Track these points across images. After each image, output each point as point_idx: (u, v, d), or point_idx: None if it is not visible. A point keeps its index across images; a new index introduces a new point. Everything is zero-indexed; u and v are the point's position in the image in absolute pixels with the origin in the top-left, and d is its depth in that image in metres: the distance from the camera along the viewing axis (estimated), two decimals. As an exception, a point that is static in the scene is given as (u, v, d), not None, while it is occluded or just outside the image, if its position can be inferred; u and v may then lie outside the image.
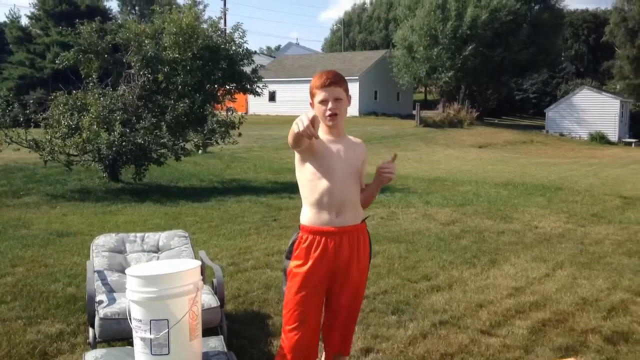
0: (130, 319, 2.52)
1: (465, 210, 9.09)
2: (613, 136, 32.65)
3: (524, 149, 26.78)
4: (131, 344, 3.16)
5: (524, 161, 20.14)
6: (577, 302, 4.73)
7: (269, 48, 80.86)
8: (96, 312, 3.33)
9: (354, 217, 2.69)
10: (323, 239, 2.61)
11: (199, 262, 2.71)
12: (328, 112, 2.61)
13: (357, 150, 2.76)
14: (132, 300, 2.50)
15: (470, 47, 33.92)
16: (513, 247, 6.71)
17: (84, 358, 2.63)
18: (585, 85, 38.85)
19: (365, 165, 2.79)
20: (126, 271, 2.61)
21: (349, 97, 2.70)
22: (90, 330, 3.41)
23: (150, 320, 2.43)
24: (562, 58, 48.43)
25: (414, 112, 33.20)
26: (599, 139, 32.32)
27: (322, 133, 2.69)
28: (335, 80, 2.62)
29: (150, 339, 2.43)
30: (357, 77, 38.62)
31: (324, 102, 2.62)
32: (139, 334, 2.47)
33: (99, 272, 3.83)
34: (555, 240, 7.11)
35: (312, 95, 2.67)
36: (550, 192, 11.28)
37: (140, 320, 2.46)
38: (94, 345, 3.34)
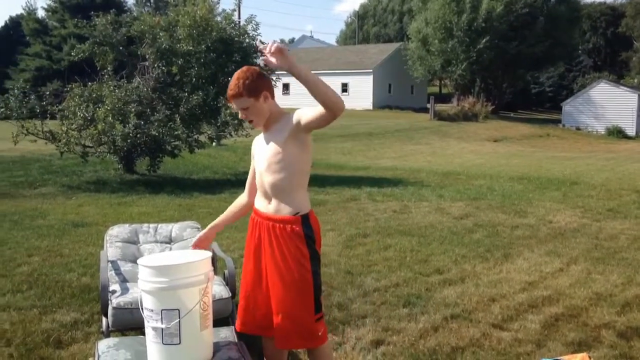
0: (142, 308, 2.54)
1: (478, 204, 9.04)
2: (631, 130, 32.22)
3: (540, 142, 26.57)
4: (144, 333, 3.19)
5: (540, 155, 19.99)
6: (591, 297, 4.69)
7: (282, 41, 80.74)
8: (109, 302, 3.37)
9: (284, 207, 2.70)
10: (257, 220, 2.80)
11: (209, 253, 2.73)
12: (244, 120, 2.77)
13: (283, 130, 2.67)
14: (143, 290, 2.52)
15: (485, 40, 33.66)
16: (527, 241, 6.67)
17: (97, 347, 2.66)
18: (603, 78, 38.38)
19: (302, 121, 2.62)
20: (138, 261, 2.63)
21: (258, 96, 2.67)
22: (104, 319, 3.45)
23: (162, 310, 2.45)
24: (579, 51, 47.89)
25: (428, 106, 33.04)
26: (616, 133, 31.93)
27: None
28: (233, 94, 2.66)
29: (162, 329, 2.45)
30: (370, 71, 38.49)
31: (239, 112, 2.76)
32: (150, 323, 2.49)
33: (112, 262, 3.87)
34: (570, 235, 7.05)
35: None
36: (565, 186, 11.18)
37: (152, 310, 2.48)
38: (107, 334, 3.38)
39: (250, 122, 2.73)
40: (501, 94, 39.25)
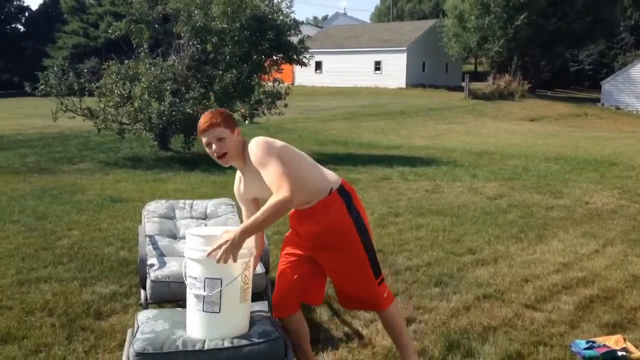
0: (185, 276, 2.60)
1: (513, 185, 8.93)
2: (673, 110, 31.21)
3: (578, 122, 25.95)
4: (181, 306, 3.28)
5: (577, 135, 19.55)
6: (627, 280, 4.62)
7: (315, 18, 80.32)
8: (148, 275, 3.46)
9: (315, 198, 2.72)
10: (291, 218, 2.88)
11: None
12: (215, 155, 2.64)
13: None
14: (189, 257, 2.57)
15: (523, 16, 32.79)
16: (562, 222, 6.57)
17: (137, 318, 2.75)
18: (645, 56, 37.11)
19: (264, 167, 2.58)
20: (187, 231, 2.69)
21: (233, 129, 2.65)
22: (142, 292, 3.56)
23: (205, 279, 2.51)
24: (621, 28, 46.23)
25: (463, 84, 32.50)
26: (658, 113, 30.95)
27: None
28: (213, 123, 2.60)
29: (204, 296, 2.52)
30: (404, 48, 38.00)
31: (208, 145, 2.65)
32: (193, 290, 2.56)
33: (150, 236, 3.97)
34: (607, 216, 6.92)
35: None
36: (603, 167, 10.94)
37: (196, 278, 2.54)
38: (145, 306, 3.48)
39: (222, 157, 2.63)
40: (538, 72, 38.30)
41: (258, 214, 2.50)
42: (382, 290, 2.85)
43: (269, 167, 2.54)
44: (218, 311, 2.52)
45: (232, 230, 2.50)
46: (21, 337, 3.42)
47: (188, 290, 2.60)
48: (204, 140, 2.66)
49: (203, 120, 2.64)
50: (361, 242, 2.76)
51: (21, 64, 38.19)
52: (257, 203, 2.87)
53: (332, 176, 2.80)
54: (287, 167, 2.56)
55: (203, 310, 2.53)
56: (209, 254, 2.47)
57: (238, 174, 2.83)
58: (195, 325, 2.58)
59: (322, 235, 2.75)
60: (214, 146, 2.62)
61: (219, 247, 2.45)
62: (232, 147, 2.64)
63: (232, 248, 2.46)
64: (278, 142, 2.67)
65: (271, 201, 2.49)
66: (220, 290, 2.51)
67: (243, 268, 2.57)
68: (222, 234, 2.51)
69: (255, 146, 2.58)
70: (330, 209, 2.72)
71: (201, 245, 2.53)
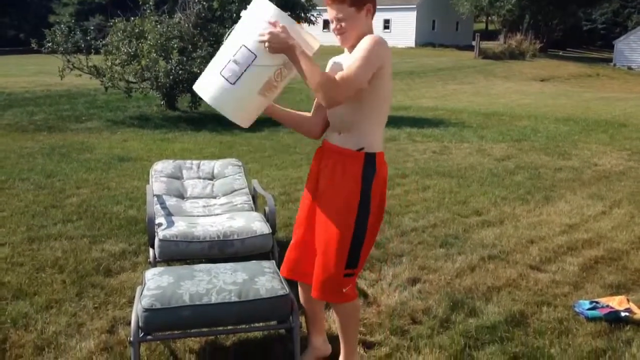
0: (230, 33, 2.36)
1: (521, 146, 8.88)
2: (687, 71, 30.71)
3: (589, 82, 25.60)
4: (188, 264, 3.32)
5: (588, 96, 19.31)
6: (633, 241, 4.64)
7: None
8: (156, 234, 3.50)
9: (349, 140, 2.40)
10: (321, 153, 2.56)
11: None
12: (334, 32, 2.37)
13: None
14: (246, 15, 2.34)
15: (537, -27, 32.07)
16: (570, 184, 6.56)
17: (145, 275, 2.80)
18: (661, 15, 36.31)
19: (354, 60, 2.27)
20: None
21: (360, 7, 2.34)
22: (151, 250, 3.60)
23: (242, 45, 2.28)
24: (638, -15, 45.19)
25: (474, 43, 32.01)
26: (672, 73, 30.47)
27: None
28: None
29: (230, 60, 2.30)
30: (414, 6, 37.32)
31: (331, 21, 2.38)
32: (227, 48, 2.33)
33: (157, 196, 3.99)
34: (615, 178, 6.90)
35: None
36: (613, 128, 10.85)
37: (237, 42, 2.31)
38: (154, 265, 3.53)
39: (341, 34, 2.35)
40: (550, 31, 37.62)
41: (316, 67, 2.23)
42: (344, 284, 2.47)
43: (362, 58, 2.24)
44: (232, 83, 2.31)
45: (294, 39, 2.25)
46: (32, 293, 3.49)
47: (223, 48, 2.37)
48: (328, 14, 2.38)
49: None
50: (355, 217, 2.40)
51: (27, 21, 37.85)
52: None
53: (377, 142, 2.45)
54: (371, 81, 2.28)
55: (220, 73, 2.32)
56: (264, 36, 2.22)
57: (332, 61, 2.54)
58: (207, 85, 2.38)
59: (325, 179, 2.49)
60: (334, 24, 2.35)
61: (273, 29, 2.22)
62: (354, 27, 2.35)
63: (279, 42, 2.22)
64: (390, 56, 2.37)
65: (333, 73, 2.28)
66: (249, 65, 2.28)
67: (284, 63, 2.35)
68: (285, 25, 2.25)
69: (371, 38, 2.30)
70: (347, 164, 2.41)
71: (267, 14, 2.27)
